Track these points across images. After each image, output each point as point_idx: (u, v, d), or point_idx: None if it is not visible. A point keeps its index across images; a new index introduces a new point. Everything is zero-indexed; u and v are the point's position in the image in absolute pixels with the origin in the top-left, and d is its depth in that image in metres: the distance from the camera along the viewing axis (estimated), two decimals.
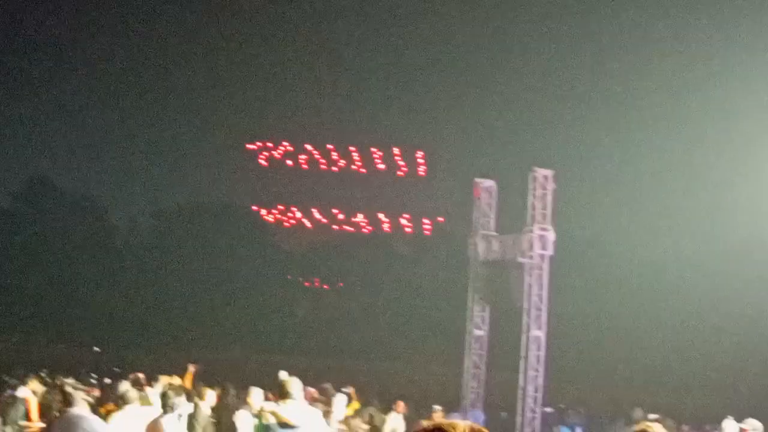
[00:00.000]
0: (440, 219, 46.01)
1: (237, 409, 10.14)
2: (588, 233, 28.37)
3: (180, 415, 7.84)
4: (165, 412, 7.44)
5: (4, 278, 30.67)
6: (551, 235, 13.82)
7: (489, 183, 15.88)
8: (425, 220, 47.79)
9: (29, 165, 42.31)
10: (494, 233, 15.45)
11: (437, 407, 12.18)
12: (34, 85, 48.18)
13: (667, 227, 29.93)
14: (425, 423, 1.63)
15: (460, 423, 1.66)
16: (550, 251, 13.85)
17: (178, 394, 9.80)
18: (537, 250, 13.79)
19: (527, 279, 14.02)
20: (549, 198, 13.83)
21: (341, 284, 38.67)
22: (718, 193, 28.34)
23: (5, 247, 32.74)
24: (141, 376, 10.28)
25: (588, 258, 25.22)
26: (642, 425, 3.81)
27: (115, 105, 50.04)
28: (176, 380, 10.34)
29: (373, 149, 51.19)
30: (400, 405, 12.06)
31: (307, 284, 39.79)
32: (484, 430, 1.60)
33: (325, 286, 39.75)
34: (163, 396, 7.53)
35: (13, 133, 45.47)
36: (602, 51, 40.24)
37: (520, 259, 14.09)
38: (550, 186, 13.76)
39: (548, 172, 13.91)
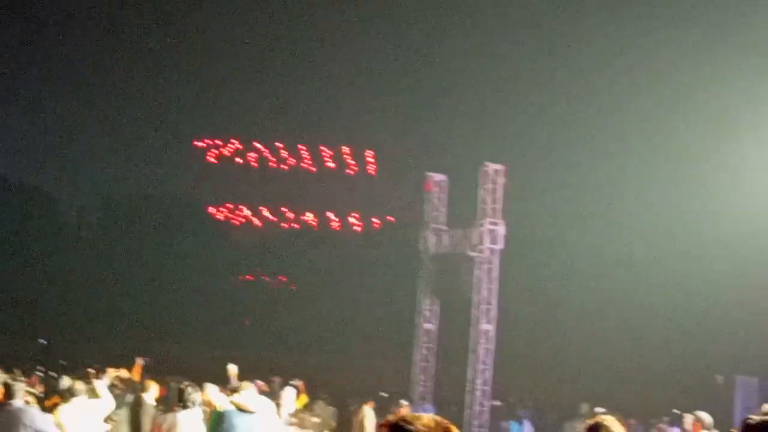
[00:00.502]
0: (390, 218, 46.47)
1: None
2: (539, 228, 29.06)
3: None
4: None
5: None
6: (501, 230, 14.08)
7: (440, 177, 16.07)
8: (374, 219, 48.17)
9: None
10: (445, 227, 15.64)
11: (404, 402, 12.22)
12: None
13: (618, 223, 30.93)
14: (391, 417, 1.70)
15: (425, 416, 1.64)
16: (500, 245, 14.10)
17: (127, 386, 9.59)
18: (487, 244, 14.03)
19: (477, 273, 14.24)
20: (499, 192, 14.08)
21: (289, 280, 38.82)
22: (669, 191, 29.41)
23: None
24: (90, 370, 10.09)
25: (538, 252, 25.83)
26: (597, 419, 3.85)
27: (66, 97, 49.14)
28: (124, 373, 10.14)
29: (322, 148, 51.41)
30: (371, 402, 12.05)
31: (254, 279, 39.82)
32: (448, 423, 1.63)
33: (273, 282, 39.83)
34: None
35: None
36: (553, 44, 41.32)
37: (470, 253, 14.30)
38: (501, 180, 14.02)
39: (499, 167, 14.18)
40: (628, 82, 35.37)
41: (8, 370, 10.21)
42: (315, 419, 11.94)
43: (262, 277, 39.97)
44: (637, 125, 33.96)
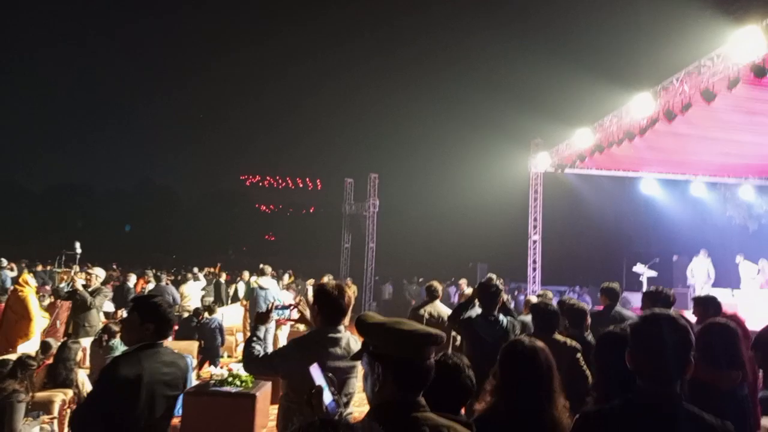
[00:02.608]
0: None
1: None
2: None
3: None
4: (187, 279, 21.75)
5: None
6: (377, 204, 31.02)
7: (350, 180, 32.86)
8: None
9: None
10: (353, 202, 32.44)
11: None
12: None
13: None
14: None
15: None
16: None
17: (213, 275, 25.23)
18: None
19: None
20: (377, 188, 31.01)
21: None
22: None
23: None
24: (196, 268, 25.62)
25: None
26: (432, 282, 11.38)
27: None
28: (211, 269, 25.89)
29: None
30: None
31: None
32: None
33: None
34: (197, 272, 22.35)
35: None
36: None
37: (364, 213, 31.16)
38: (377, 181, 30.91)
39: (375, 175, 31.07)
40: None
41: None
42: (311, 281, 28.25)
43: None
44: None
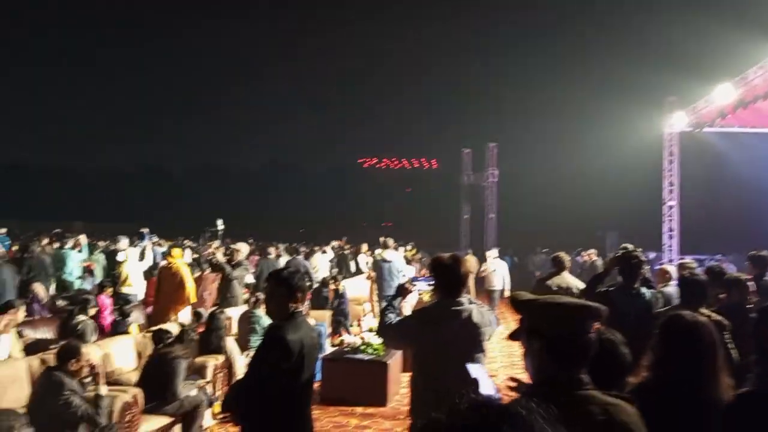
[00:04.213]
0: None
1: None
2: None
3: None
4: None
5: None
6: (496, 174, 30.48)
7: (468, 150, 32.52)
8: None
9: None
10: (471, 172, 32.12)
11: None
12: None
13: None
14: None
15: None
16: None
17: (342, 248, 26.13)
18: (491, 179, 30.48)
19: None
20: (496, 157, 30.45)
21: None
22: None
23: None
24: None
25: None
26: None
27: None
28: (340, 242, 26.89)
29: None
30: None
31: None
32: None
33: None
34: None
35: None
36: None
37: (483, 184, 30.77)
38: (495, 151, 30.34)
39: (494, 144, 30.48)
40: None
41: None
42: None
43: None
44: None
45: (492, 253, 15.44)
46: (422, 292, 10.65)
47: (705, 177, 26.06)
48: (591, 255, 15.54)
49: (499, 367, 10.82)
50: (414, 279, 4.71)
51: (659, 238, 17.39)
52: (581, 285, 7.04)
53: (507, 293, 14.19)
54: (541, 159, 46.11)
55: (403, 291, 4.45)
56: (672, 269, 7.94)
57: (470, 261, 15.05)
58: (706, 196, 27.87)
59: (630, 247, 5.52)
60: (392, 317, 4.25)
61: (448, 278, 4.07)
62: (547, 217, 38.83)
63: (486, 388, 2.75)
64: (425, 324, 3.99)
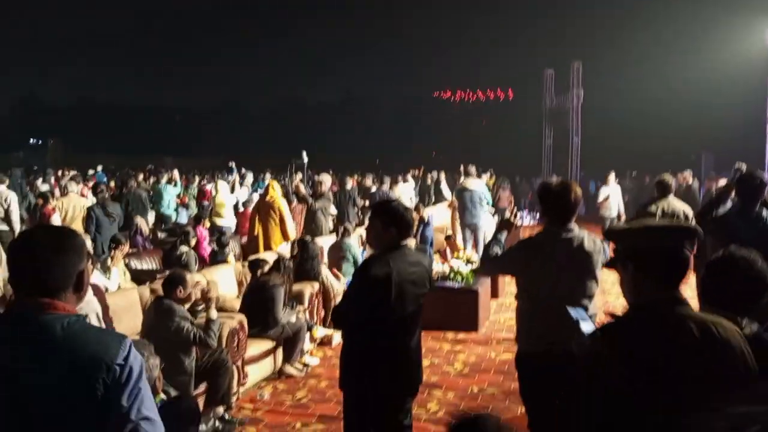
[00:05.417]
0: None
1: None
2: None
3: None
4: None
5: None
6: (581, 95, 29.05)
7: (550, 71, 31.06)
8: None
9: None
10: (554, 95, 30.80)
11: None
12: None
13: None
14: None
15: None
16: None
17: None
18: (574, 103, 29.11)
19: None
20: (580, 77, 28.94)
21: None
22: None
23: None
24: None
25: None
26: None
27: None
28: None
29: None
30: None
31: None
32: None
33: None
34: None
35: None
36: None
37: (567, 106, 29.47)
38: (580, 70, 28.81)
39: (578, 63, 28.91)
40: None
41: None
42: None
43: None
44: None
45: (611, 177, 15.24)
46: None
47: None
48: (686, 177, 14.66)
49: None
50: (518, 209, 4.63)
51: (762, 159, 16.31)
52: (689, 210, 6.66)
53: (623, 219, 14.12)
54: (630, 77, 43.20)
55: (507, 225, 4.36)
56: None
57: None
58: None
59: (744, 167, 5.15)
60: (497, 250, 4.19)
61: (557, 205, 3.94)
62: (637, 139, 37.04)
63: (587, 327, 2.83)
64: (535, 253, 3.91)
